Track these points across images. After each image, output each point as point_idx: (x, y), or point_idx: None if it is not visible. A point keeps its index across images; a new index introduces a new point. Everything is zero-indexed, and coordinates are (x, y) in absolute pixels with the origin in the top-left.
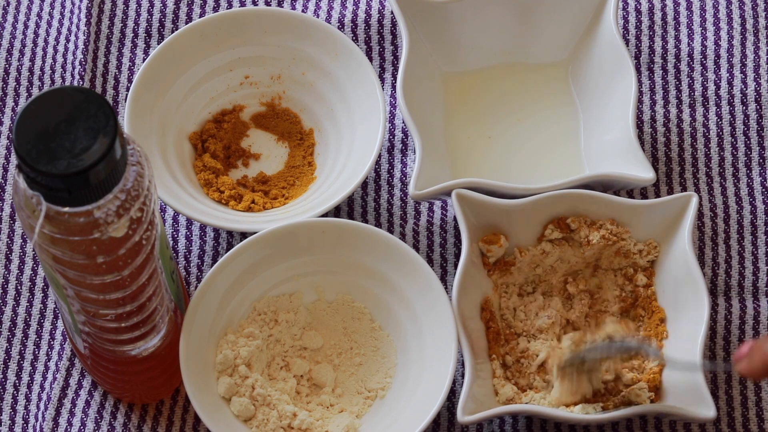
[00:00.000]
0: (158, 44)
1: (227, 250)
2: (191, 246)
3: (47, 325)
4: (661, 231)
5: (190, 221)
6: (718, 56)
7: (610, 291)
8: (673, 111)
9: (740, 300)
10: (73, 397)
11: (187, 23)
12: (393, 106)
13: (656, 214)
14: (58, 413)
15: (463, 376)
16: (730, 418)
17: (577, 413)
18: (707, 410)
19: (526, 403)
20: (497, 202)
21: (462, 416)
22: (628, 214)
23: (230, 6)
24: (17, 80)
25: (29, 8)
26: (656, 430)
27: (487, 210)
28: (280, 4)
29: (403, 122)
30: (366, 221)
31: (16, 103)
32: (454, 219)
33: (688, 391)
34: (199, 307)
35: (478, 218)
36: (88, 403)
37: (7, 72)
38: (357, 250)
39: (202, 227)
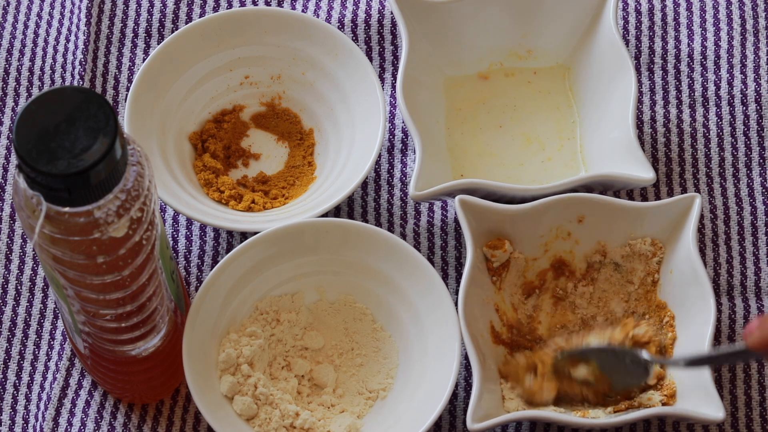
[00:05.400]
0: (158, 44)
1: (227, 250)
2: (191, 246)
3: (47, 325)
4: (664, 233)
5: (190, 221)
6: (718, 57)
7: (614, 293)
8: (673, 111)
9: (743, 300)
10: (73, 397)
11: (187, 23)
12: (393, 106)
13: (660, 215)
14: (58, 413)
15: (465, 378)
16: (734, 418)
17: (588, 418)
18: (716, 411)
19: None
20: (500, 208)
21: (471, 424)
22: (631, 216)
23: (230, 6)
24: (17, 80)
25: (29, 8)
26: (659, 431)
27: (490, 215)
28: (280, 4)
29: (403, 122)
30: (366, 221)
31: (16, 103)
32: (455, 220)
33: (696, 393)
34: (202, 305)
35: (481, 224)
36: (88, 403)
37: (7, 72)
38: (360, 250)
39: (202, 227)
